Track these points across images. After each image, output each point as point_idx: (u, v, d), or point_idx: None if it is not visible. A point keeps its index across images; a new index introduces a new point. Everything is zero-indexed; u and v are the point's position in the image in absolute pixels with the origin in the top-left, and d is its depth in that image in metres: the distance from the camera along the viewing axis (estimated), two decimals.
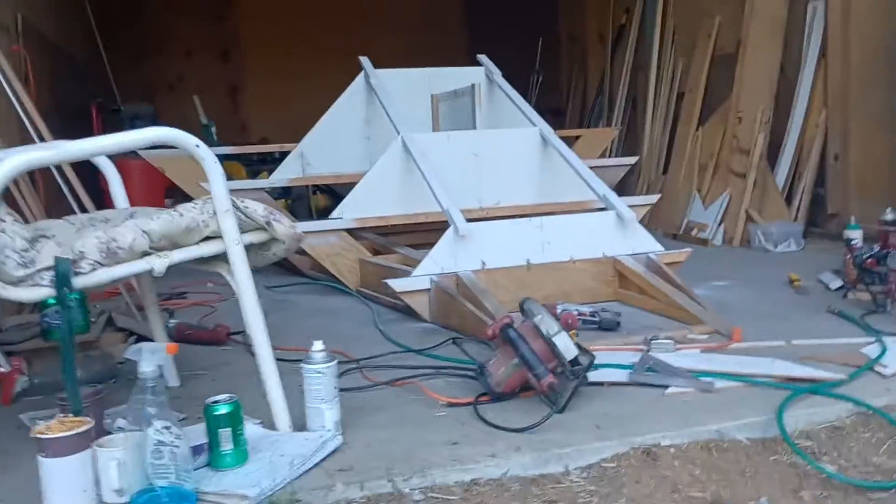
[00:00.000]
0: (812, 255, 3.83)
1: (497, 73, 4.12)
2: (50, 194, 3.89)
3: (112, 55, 6.67)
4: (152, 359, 1.40)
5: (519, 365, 1.84)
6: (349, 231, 3.43)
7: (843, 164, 4.22)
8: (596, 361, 1.92)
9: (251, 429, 1.66)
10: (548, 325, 1.84)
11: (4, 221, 1.42)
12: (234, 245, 1.63)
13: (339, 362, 1.75)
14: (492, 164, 3.54)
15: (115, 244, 1.52)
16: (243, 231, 1.68)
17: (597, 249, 3.01)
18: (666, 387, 1.92)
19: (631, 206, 3.15)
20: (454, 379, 2.11)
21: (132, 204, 2.07)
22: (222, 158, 2.09)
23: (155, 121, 5.72)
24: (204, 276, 3.44)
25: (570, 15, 7.37)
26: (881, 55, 4.00)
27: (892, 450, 1.64)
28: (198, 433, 1.57)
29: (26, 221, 1.69)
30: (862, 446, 1.65)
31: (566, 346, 1.82)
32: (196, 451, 1.51)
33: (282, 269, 3.85)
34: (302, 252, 3.39)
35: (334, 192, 5.41)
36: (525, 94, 4.12)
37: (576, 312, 2.50)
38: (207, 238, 1.66)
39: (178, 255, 1.62)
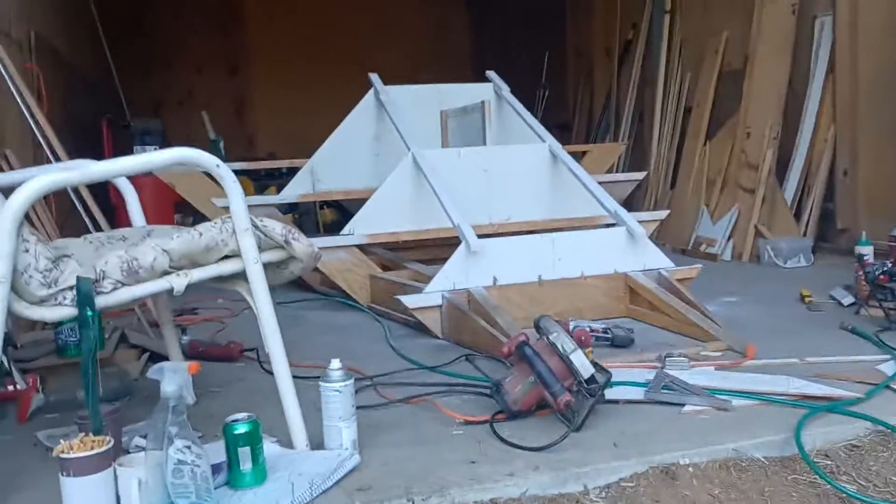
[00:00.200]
0: (822, 271, 3.83)
1: (505, 89, 4.14)
2: (61, 210, 3.91)
3: (121, 70, 6.72)
4: (174, 378, 1.40)
5: (535, 383, 1.84)
6: (359, 247, 3.44)
7: (853, 179, 4.22)
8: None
9: (268, 447, 1.65)
10: (564, 342, 1.84)
11: (28, 241, 1.43)
12: (254, 263, 1.64)
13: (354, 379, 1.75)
14: (502, 180, 3.55)
15: (136, 263, 1.53)
16: (261, 249, 1.69)
17: (608, 265, 3.01)
18: (682, 405, 1.92)
19: (640, 222, 3.15)
20: (468, 396, 2.11)
21: None
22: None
23: (164, 136, 5.75)
24: (214, 292, 3.47)
25: (576, 29, 7.40)
26: (891, 70, 4.01)
27: None
28: (215, 451, 1.57)
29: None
30: (881, 465, 1.64)
31: (583, 363, 1.82)
32: (215, 469, 1.51)
33: (291, 285, 3.84)
34: (313, 268, 3.39)
35: (341, 207, 5.43)
36: (531, 109, 4.14)
37: (588, 329, 2.51)
38: (226, 256, 1.66)
39: (197, 274, 1.63)
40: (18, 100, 3.51)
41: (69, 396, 2.07)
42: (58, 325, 2.31)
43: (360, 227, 3.41)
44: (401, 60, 7.61)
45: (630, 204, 4.86)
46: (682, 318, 2.68)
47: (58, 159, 3.48)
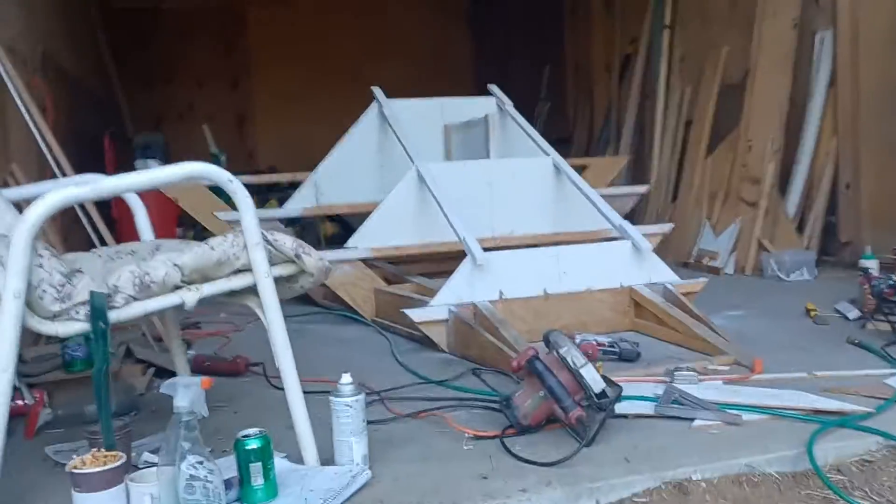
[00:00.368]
0: (826, 284, 3.83)
1: (508, 104, 4.15)
2: (63, 222, 3.91)
3: (123, 84, 6.74)
4: (187, 393, 1.40)
5: (546, 397, 1.84)
6: (363, 260, 3.43)
7: (855, 192, 4.23)
8: None
9: (278, 463, 1.64)
10: (574, 356, 1.84)
11: (42, 256, 1.43)
12: (265, 278, 1.64)
13: None
14: (505, 194, 3.55)
15: (148, 278, 1.53)
16: (272, 264, 1.69)
17: (613, 279, 3.01)
18: (692, 419, 1.91)
19: (645, 235, 3.16)
20: (477, 410, 2.10)
21: None
22: None
23: (165, 150, 5.76)
24: (217, 306, 3.45)
25: (576, 44, 7.43)
26: (892, 83, 4.03)
27: None
28: (225, 467, 1.56)
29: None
30: (894, 481, 1.64)
31: (593, 378, 1.82)
32: (226, 485, 1.51)
33: (295, 299, 3.81)
34: (322, 282, 3.39)
35: (343, 220, 5.44)
36: (531, 123, 4.15)
37: (595, 343, 2.51)
38: (238, 271, 1.66)
39: (208, 289, 1.62)
40: (25, 114, 3.51)
41: (77, 411, 2.06)
42: (64, 339, 2.30)
43: (364, 241, 3.41)
44: (402, 74, 7.63)
45: (631, 217, 4.84)
46: (689, 332, 2.68)
47: (63, 174, 3.48)
